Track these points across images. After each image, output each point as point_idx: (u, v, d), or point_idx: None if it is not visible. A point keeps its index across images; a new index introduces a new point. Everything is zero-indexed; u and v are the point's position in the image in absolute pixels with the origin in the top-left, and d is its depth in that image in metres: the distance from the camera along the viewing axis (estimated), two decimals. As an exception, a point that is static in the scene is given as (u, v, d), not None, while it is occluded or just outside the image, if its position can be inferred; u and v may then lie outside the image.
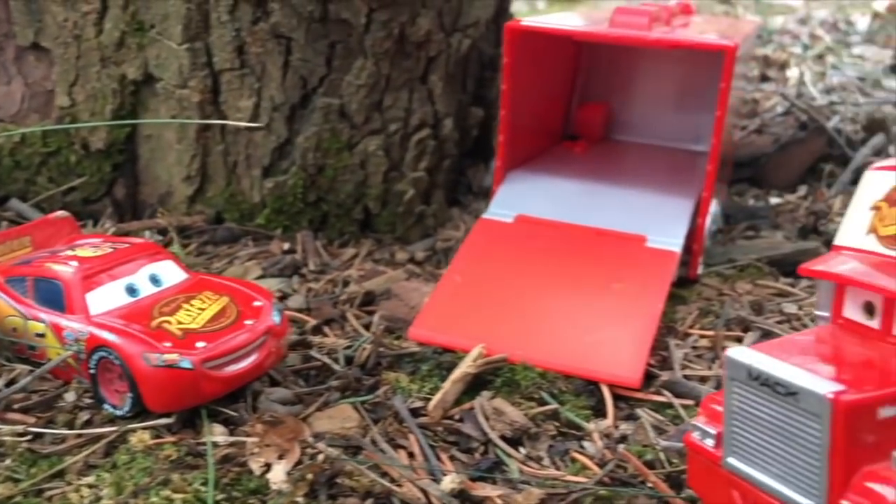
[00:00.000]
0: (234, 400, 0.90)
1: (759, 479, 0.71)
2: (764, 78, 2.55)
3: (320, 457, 0.81)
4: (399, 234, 1.44)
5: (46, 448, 0.83)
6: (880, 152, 1.83)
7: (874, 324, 0.73)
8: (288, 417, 0.85)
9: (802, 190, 1.69)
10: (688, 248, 1.24)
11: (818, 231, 1.48)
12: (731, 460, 0.73)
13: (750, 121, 1.97)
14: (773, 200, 1.68)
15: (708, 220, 1.29)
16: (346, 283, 1.27)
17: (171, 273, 0.97)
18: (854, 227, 0.76)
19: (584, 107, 1.64)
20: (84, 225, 1.34)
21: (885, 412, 0.65)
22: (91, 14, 1.33)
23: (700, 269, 1.27)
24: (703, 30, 1.44)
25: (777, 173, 1.78)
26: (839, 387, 0.65)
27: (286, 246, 1.35)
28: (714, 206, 1.41)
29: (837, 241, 0.77)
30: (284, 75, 1.32)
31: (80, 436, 0.85)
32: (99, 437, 0.84)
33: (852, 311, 0.76)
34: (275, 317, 0.93)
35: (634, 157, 1.54)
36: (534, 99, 1.41)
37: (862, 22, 3.95)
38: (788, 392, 0.67)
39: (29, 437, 0.84)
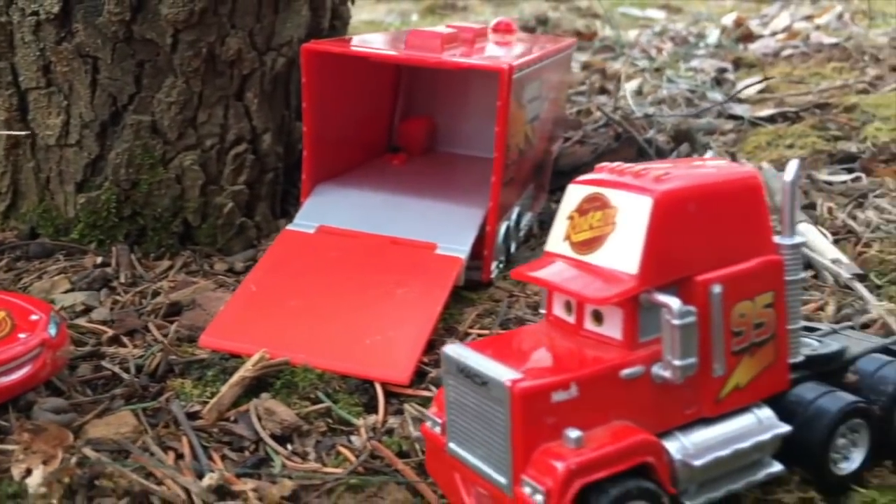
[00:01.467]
0: (5, 410, 0.94)
1: (471, 461, 0.80)
2: (602, 90, 2.71)
3: (73, 460, 0.85)
4: (220, 245, 1.48)
5: None
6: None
7: (571, 319, 0.83)
8: (52, 425, 0.90)
9: (612, 197, 1.82)
10: (480, 254, 1.33)
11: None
12: (452, 445, 0.82)
13: (574, 132, 2.10)
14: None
15: (502, 227, 1.39)
16: (155, 295, 1.31)
17: (-50, 290, 1.00)
18: (556, 235, 0.86)
19: (407, 121, 1.72)
20: None
21: (557, 396, 0.74)
22: None
23: (494, 273, 1.37)
24: (502, 51, 1.55)
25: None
26: (517, 375, 0.74)
27: (99, 260, 1.38)
28: (517, 213, 1.52)
29: (546, 248, 0.87)
30: (93, 93, 1.35)
31: None
32: None
33: (558, 309, 0.85)
34: (51, 329, 0.97)
35: (448, 168, 1.64)
36: (343, 115, 1.48)
37: (713, 35, 4.20)
38: (483, 382, 0.76)
39: None
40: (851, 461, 0.87)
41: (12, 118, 1.34)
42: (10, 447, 0.88)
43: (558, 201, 1.84)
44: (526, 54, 1.46)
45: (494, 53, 1.48)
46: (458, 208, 1.36)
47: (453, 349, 0.80)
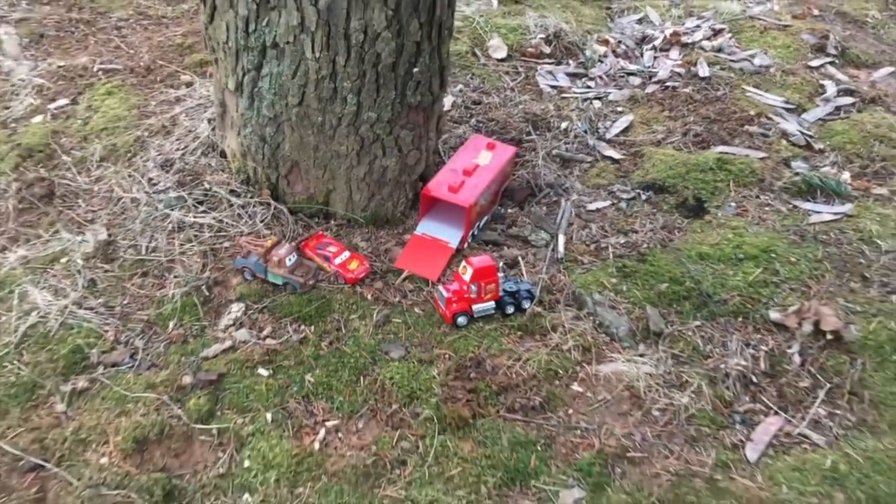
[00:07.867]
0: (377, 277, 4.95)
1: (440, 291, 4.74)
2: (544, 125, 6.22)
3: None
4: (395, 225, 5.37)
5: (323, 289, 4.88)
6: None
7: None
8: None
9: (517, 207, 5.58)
10: (461, 243, 5.18)
11: (515, 226, 5.42)
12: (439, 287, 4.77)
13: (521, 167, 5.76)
14: (510, 210, 5.58)
15: (472, 231, 5.21)
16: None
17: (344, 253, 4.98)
18: (461, 271, 4.73)
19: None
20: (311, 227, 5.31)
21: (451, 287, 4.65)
22: (318, 170, 5.20)
23: (465, 247, 5.22)
24: (477, 179, 5.23)
25: (513, 197, 5.67)
26: (446, 292, 4.64)
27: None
28: (478, 224, 5.32)
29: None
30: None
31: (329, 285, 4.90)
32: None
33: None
34: (368, 265, 4.95)
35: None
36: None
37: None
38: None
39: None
40: (525, 307, 4.76)
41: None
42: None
43: (501, 205, 5.65)
44: (485, 178, 5.19)
45: (472, 184, 5.18)
46: (455, 227, 5.20)
47: (438, 288, 4.73)
